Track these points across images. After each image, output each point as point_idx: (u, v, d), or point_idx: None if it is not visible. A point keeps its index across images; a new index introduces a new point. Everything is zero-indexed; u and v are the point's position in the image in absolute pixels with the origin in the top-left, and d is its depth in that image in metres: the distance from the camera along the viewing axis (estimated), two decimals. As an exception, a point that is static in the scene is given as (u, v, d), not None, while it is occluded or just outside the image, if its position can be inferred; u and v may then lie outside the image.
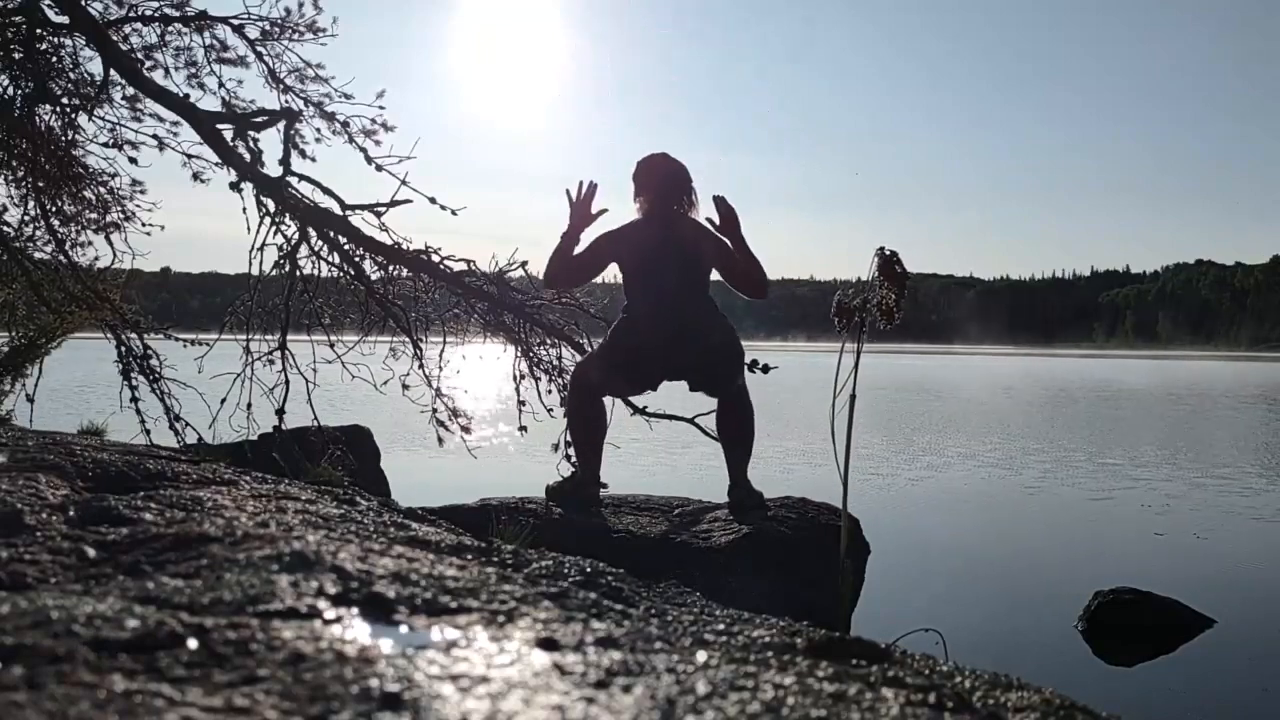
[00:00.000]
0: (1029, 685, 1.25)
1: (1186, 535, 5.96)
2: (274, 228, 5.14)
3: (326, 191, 5.29)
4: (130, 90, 5.71)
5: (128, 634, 1.04)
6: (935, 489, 7.95)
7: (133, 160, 5.87)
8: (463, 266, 5.35)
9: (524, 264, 5.36)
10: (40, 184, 5.63)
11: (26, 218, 5.68)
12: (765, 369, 4.56)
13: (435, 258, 5.29)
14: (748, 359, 4.16)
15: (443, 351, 5.47)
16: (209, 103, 5.70)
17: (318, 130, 5.74)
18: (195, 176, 5.79)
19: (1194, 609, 4.00)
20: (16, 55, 5.48)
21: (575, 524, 3.54)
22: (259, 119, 5.50)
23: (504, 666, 1.05)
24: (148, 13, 5.73)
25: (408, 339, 5.40)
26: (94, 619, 1.07)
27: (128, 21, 5.71)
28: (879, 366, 37.39)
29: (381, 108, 5.71)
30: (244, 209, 5.11)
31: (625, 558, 2.52)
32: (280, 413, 5.05)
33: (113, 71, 5.45)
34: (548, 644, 1.18)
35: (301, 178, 5.32)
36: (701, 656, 1.18)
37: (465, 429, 5.45)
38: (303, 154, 5.59)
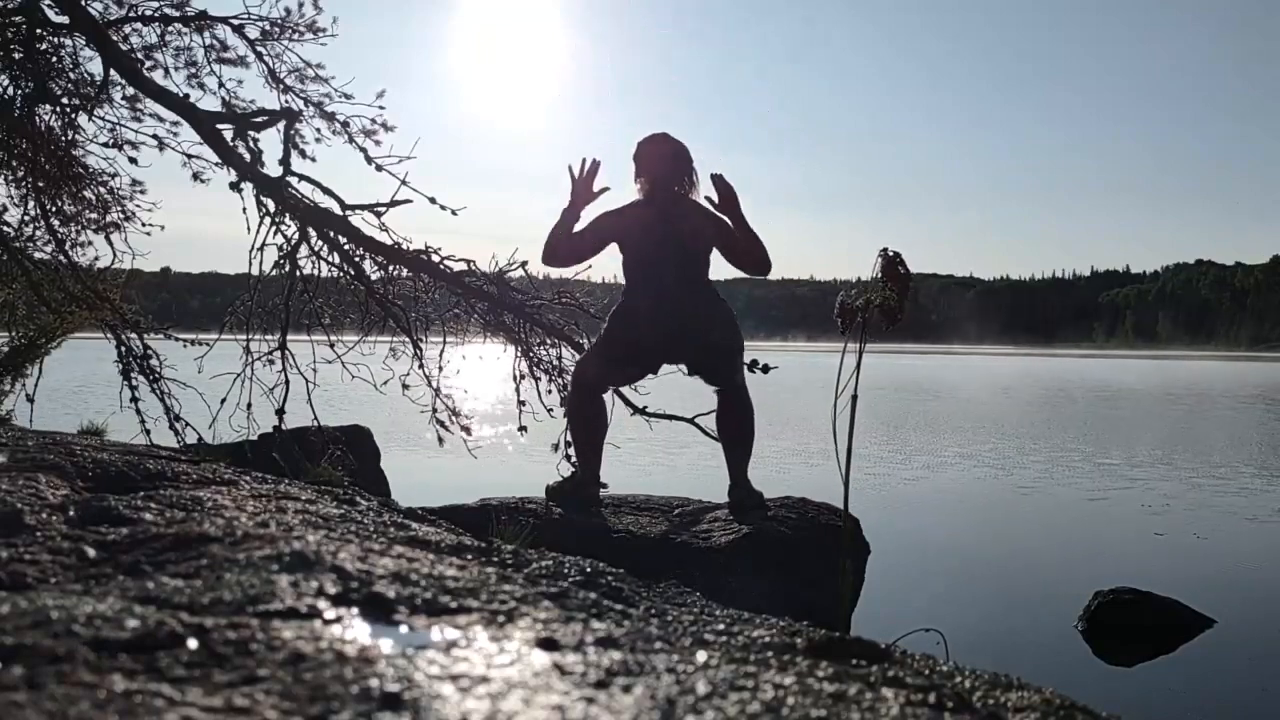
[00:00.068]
0: (1029, 685, 1.24)
1: (1186, 535, 5.96)
2: (274, 228, 5.14)
3: (326, 191, 5.29)
4: (130, 90, 5.72)
5: (128, 634, 1.04)
6: (935, 489, 7.95)
7: (133, 160, 5.88)
8: (463, 266, 5.35)
9: (524, 264, 5.37)
10: (40, 184, 5.63)
11: (26, 218, 5.68)
12: (765, 369, 4.56)
13: (435, 258, 5.30)
14: (747, 359, 4.16)
15: (443, 351, 5.47)
16: (209, 103, 5.71)
17: (318, 130, 5.75)
18: (195, 176, 5.80)
19: (1194, 609, 3.99)
20: (16, 55, 5.48)
21: (575, 524, 3.54)
22: (259, 119, 5.50)
23: (504, 666, 1.05)
24: (148, 13, 5.73)
25: (408, 339, 5.40)
26: (94, 619, 1.07)
27: (128, 21, 5.71)
28: (879, 366, 37.39)
29: (381, 108, 5.72)
30: (244, 209, 5.12)
31: (625, 558, 2.52)
32: (280, 413, 5.05)
33: (113, 71, 5.45)
34: (548, 644, 1.17)
35: (301, 178, 5.32)
36: (701, 656, 1.18)
37: (465, 429, 5.45)
38: (303, 154, 5.60)
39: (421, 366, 5.40)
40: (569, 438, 4.33)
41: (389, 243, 5.26)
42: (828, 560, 3.19)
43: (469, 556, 1.82)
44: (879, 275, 2.39)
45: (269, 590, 1.28)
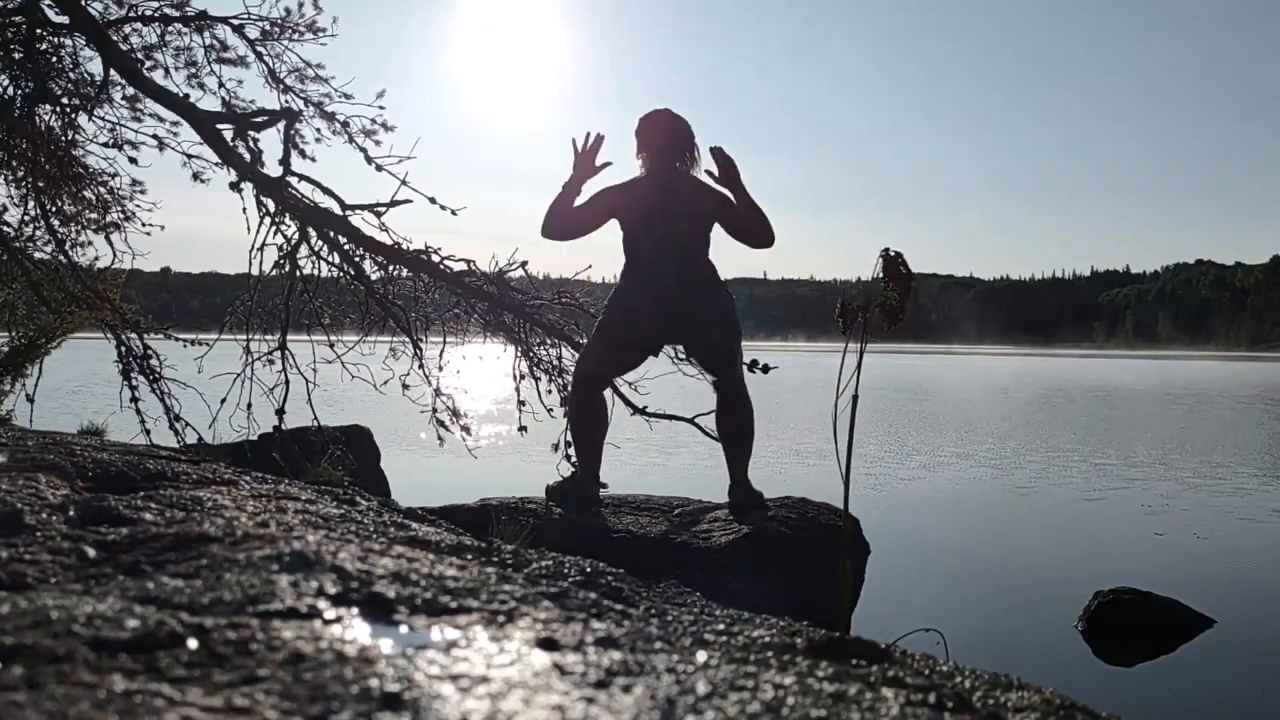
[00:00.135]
0: (1029, 685, 1.24)
1: (1186, 535, 5.96)
2: (274, 228, 5.14)
3: (326, 191, 5.29)
4: (130, 90, 5.72)
5: (128, 634, 1.04)
6: (935, 489, 7.95)
7: (133, 160, 5.88)
8: (463, 266, 5.35)
9: (524, 264, 5.36)
10: (40, 184, 5.63)
11: (26, 218, 5.68)
12: (765, 369, 4.56)
13: (435, 258, 5.30)
14: (747, 359, 4.16)
15: (443, 351, 5.48)
16: (209, 103, 5.71)
17: (318, 130, 5.75)
18: (195, 176, 5.80)
19: (1194, 609, 3.99)
20: (16, 55, 5.48)
21: (575, 524, 3.53)
22: (259, 119, 5.50)
23: (504, 666, 1.05)
24: (148, 13, 5.73)
25: (408, 339, 5.40)
26: (94, 619, 1.07)
27: (128, 21, 5.71)
28: (879, 366, 37.38)
29: (381, 108, 5.72)
30: (244, 209, 5.11)
31: (625, 558, 2.52)
32: (280, 413, 5.05)
33: (113, 71, 5.45)
34: (548, 644, 1.17)
35: (301, 178, 5.32)
36: (701, 656, 1.18)
37: (465, 429, 5.45)
38: (303, 154, 5.60)
39: (421, 366, 5.40)
40: (569, 438, 4.33)
41: (389, 243, 5.27)
42: (828, 560, 3.19)
43: (469, 556, 1.82)
44: (880, 275, 2.39)
45: (269, 590, 1.28)
